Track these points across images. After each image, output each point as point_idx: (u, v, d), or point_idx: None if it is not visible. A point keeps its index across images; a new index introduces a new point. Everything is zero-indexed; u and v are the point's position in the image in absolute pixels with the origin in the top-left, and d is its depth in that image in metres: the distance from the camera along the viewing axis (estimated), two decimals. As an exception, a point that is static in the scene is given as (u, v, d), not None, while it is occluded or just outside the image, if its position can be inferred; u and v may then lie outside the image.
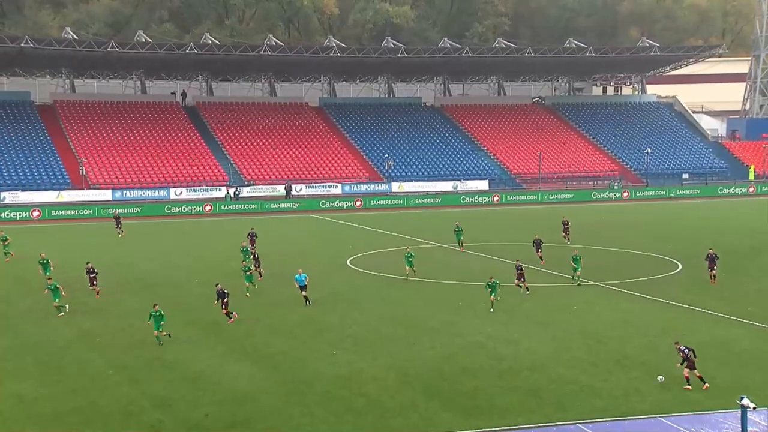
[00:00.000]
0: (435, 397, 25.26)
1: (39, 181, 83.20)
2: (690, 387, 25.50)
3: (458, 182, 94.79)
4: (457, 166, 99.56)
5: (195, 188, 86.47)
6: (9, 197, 78.68)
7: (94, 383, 26.75)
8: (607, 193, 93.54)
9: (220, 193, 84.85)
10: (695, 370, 25.64)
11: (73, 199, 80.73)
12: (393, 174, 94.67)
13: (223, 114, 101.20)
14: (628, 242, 56.71)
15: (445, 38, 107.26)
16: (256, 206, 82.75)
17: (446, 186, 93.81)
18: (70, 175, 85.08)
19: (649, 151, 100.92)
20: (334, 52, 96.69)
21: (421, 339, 31.84)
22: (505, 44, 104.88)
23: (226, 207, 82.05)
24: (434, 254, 51.25)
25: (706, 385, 25.51)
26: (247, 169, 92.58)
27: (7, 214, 74.01)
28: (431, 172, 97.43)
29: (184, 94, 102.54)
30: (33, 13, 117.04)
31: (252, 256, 44.86)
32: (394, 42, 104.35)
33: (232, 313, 34.68)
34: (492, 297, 35.79)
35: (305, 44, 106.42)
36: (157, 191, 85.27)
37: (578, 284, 41.26)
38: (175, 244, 60.18)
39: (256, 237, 51.48)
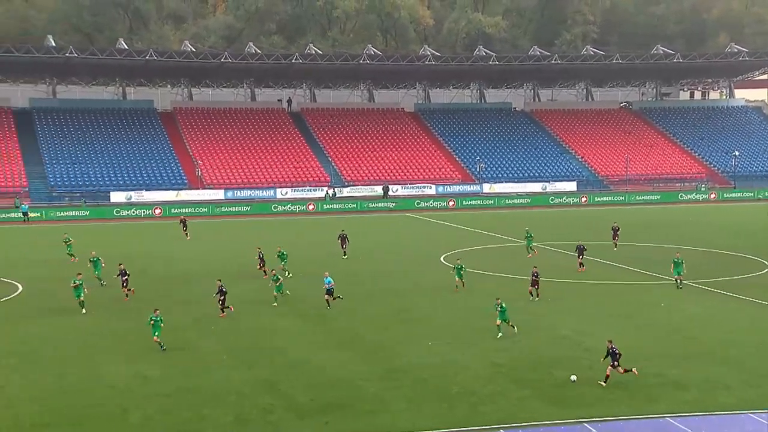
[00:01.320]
0: (525, 387, 24.98)
1: (160, 182, 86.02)
2: (604, 384, 24.66)
3: (547, 183, 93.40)
4: (546, 168, 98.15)
5: (299, 188, 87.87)
6: (135, 196, 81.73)
7: (209, 366, 27.45)
8: (694, 194, 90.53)
9: (322, 193, 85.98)
10: (617, 368, 24.79)
11: (189, 198, 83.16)
12: (484, 175, 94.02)
13: (325, 119, 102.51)
14: (715, 242, 54.75)
15: (535, 46, 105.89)
16: (355, 205, 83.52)
17: (535, 187, 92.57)
18: (187, 176, 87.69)
19: (737, 153, 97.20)
20: (428, 61, 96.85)
21: (511, 331, 31.50)
22: (593, 51, 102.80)
23: (327, 206, 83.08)
24: (523, 252, 50.58)
25: (623, 371, 24.75)
26: (347, 170, 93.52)
27: (133, 212, 76.88)
28: (521, 174, 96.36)
29: (289, 101, 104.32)
30: (157, 29, 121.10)
31: (258, 257, 43.23)
32: (486, 50, 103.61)
33: (228, 307, 34.20)
34: (498, 321, 30.62)
35: (402, 53, 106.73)
36: (264, 191, 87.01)
37: (679, 287, 39.13)
38: (278, 239, 61.10)
39: (348, 240, 50.02)
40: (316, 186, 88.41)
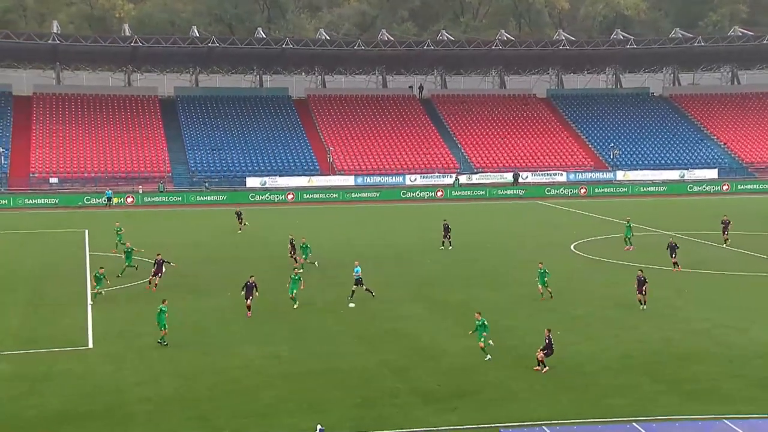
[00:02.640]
0: (658, 380, 24.13)
1: (293, 168, 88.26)
2: (539, 369, 25.00)
3: (685, 171, 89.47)
4: (685, 155, 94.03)
5: (428, 175, 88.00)
6: (269, 182, 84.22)
7: (338, 350, 28.00)
8: None
9: (451, 179, 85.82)
10: (541, 354, 25.16)
11: (321, 183, 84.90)
12: (618, 162, 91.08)
13: (455, 106, 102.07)
14: None
15: (677, 28, 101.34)
16: (483, 192, 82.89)
17: (672, 174, 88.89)
18: (319, 162, 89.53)
19: None
20: (563, 45, 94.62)
21: (644, 323, 30.47)
22: (741, 32, 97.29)
23: (456, 192, 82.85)
24: (662, 242, 48.70)
25: (543, 369, 25.02)
26: (476, 157, 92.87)
27: (267, 197, 79.30)
28: (657, 161, 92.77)
29: (420, 88, 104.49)
30: (294, 17, 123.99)
31: (290, 243, 42.90)
32: (624, 33, 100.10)
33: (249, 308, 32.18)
34: (480, 342, 26.75)
35: (535, 38, 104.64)
36: (394, 177, 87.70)
37: None
38: (408, 225, 61.48)
39: (450, 229, 48.74)
40: (445, 173, 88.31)
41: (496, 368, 25.57)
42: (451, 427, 21.16)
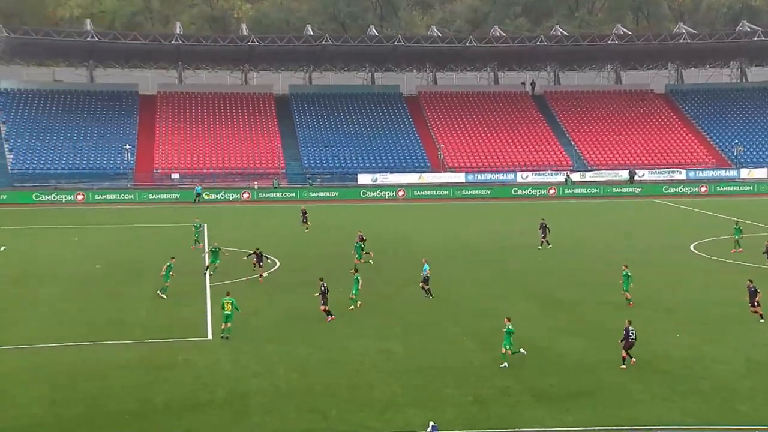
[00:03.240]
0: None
1: (404, 165, 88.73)
2: (624, 367, 24.90)
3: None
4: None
5: (540, 172, 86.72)
6: (380, 178, 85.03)
7: (450, 347, 28.04)
8: None
9: (562, 177, 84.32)
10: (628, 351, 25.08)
11: (431, 180, 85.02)
12: (742, 160, 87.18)
13: (568, 102, 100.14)
14: None
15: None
16: (598, 190, 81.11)
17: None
18: (429, 159, 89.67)
19: None
20: (683, 39, 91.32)
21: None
22: None
23: (569, 190, 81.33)
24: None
25: (623, 366, 24.95)
26: (590, 154, 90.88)
27: (378, 193, 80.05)
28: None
29: (533, 84, 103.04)
30: (406, 15, 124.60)
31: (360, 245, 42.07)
32: (750, 25, 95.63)
33: (329, 312, 31.26)
34: (504, 349, 25.96)
35: (654, 32, 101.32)
36: (505, 175, 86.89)
37: None
38: (519, 222, 60.81)
39: (549, 229, 47.71)
40: (557, 170, 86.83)
41: (612, 370, 25.01)
42: (566, 428, 20.87)
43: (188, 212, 65.34)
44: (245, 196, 77.28)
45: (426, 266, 35.21)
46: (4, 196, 73.15)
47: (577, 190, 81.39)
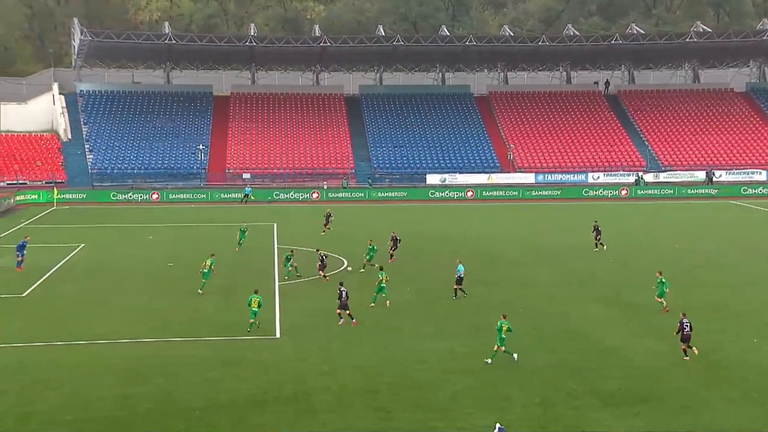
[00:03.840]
0: None
1: (473, 165, 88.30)
2: (687, 358, 25.45)
3: None
4: None
5: (612, 173, 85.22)
6: (449, 179, 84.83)
7: (516, 348, 27.78)
8: None
9: (631, 178, 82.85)
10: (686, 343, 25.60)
11: (501, 181, 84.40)
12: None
13: (643, 101, 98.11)
14: None
15: None
16: (672, 191, 79.28)
17: None
18: (499, 159, 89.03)
19: None
20: (767, 36, 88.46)
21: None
22: None
23: (641, 191, 79.72)
24: None
25: (686, 357, 25.55)
26: (664, 154, 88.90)
27: (447, 194, 79.85)
28: None
29: (607, 83, 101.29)
30: (478, 14, 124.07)
31: (392, 239, 42.04)
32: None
33: (351, 317, 30.75)
34: (496, 346, 26.23)
35: (735, 29, 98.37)
36: (575, 175, 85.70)
37: None
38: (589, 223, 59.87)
39: (600, 230, 46.94)
40: (630, 171, 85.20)
41: (683, 374, 24.48)
42: (634, 434, 20.54)
43: (259, 211, 66.43)
44: (315, 196, 78.09)
45: (460, 267, 35.41)
46: (84, 195, 75.57)
47: (650, 191, 79.68)
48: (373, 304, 33.23)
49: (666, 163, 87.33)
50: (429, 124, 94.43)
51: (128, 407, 22.58)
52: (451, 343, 28.40)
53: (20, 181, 79.83)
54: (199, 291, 35.59)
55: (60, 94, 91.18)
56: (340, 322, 30.75)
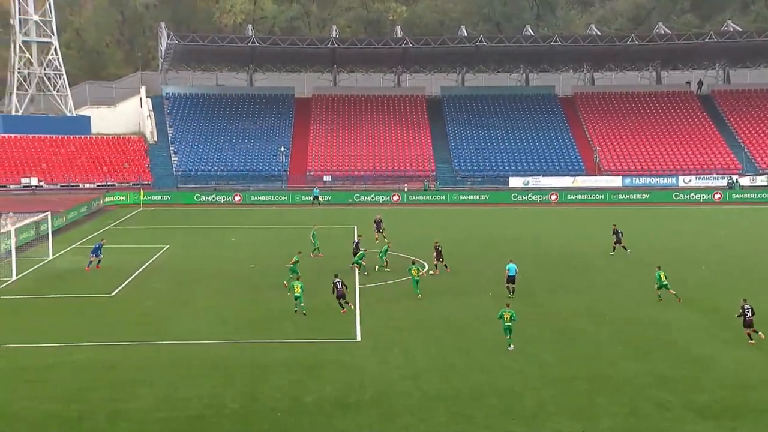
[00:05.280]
0: None
1: (557, 168, 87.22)
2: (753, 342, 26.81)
3: None
4: None
5: (704, 176, 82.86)
6: (532, 182, 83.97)
7: (603, 356, 27.39)
8: None
9: (723, 181, 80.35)
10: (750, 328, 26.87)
11: (586, 184, 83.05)
12: None
13: (739, 102, 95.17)
14: None
15: None
16: (769, 195, 76.74)
17: None
18: (584, 162, 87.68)
19: None
20: None
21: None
22: None
23: (736, 195, 77.27)
24: None
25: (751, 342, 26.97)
26: (762, 157, 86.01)
27: (530, 197, 79.02)
28: None
29: (700, 83, 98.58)
30: (564, 14, 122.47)
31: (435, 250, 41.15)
32: None
33: (347, 302, 33.52)
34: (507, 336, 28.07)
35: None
36: (665, 178, 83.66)
37: None
38: (678, 228, 58.44)
39: (622, 233, 46.55)
40: (724, 174, 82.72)
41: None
42: (730, 450, 19.95)
43: (340, 214, 67.09)
44: (395, 198, 78.38)
45: (511, 266, 35.66)
46: (169, 197, 77.76)
47: (746, 195, 77.15)
48: (420, 295, 35.49)
49: (764, 165, 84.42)
50: (512, 126, 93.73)
51: (214, 407, 23.12)
52: (536, 349, 28.10)
53: (109, 183, 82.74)
54: (285, 282, 37.07)
55: (147, 97, 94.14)
56: (342, 311, 32.94)
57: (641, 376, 25.07)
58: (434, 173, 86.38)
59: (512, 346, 27.79)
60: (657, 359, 26.77)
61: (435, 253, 41.47)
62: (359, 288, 37.81)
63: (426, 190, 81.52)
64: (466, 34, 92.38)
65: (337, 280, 33.59)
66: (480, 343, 29.01)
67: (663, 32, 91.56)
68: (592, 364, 26.36)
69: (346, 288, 33.54)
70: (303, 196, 78.51)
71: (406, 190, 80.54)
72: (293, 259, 37.88)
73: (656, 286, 34.75)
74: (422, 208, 74.19)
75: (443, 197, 78.97)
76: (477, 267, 42.79)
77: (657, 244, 50.79)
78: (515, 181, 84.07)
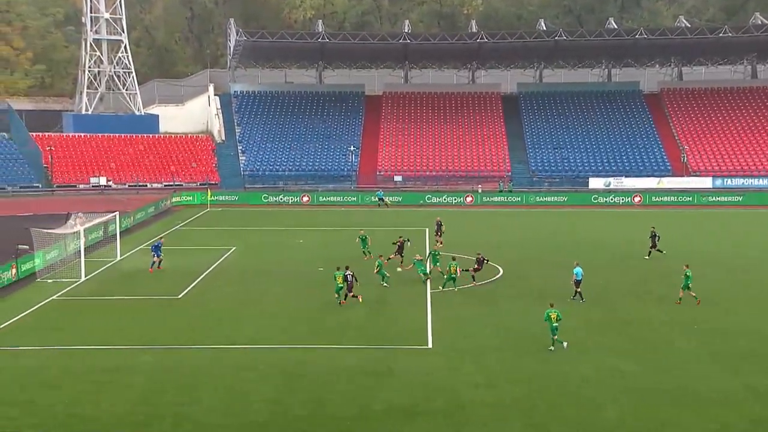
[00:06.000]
0: None
1: (641, 168, 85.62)
2: None
3: None
4: None
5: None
6: (614, 183, 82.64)
7: (689, 368, 26.82)
8: None
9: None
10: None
11: (672, 186, 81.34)
12: None
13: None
14: None
15: None
16: None
17: None
18: (671, 162, 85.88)
19: None
20: None
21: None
22: None
23: (839, 199, 74.60)
24: None
25: None
26: None
27: (611, 199, 77.72)
28: None
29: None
30: (650, 5, 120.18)
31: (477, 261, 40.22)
32: None
33: (354, 296, 35.33)
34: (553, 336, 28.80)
35: None
36: (760, 179, 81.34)
37: None
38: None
39: (658, 237, 46.26)
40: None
41: None
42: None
43: (411, 215, 67.15)
44: (468, 199, 78.08)
45: (578, 269, 35.57)
46: (236, 197, 79.13)
47: None
48: (456, 289, 37.33)
49: None
50: (592, 124, 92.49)
51: (280, 413, 23.45)
52: (618, 360, 27.68)
53: (176, 183, 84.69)
54: (385, 285, 38.76)
55: (215, 95, 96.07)
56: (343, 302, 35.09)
57: (734, 391, 24.47)
58: (509, 173, 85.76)
59: (565, 344, 28.58)
60: (750, 372, 26.08)
61: (476, 264, 40.24)
62: (431, 293, 37.81)
63: (501, 191, 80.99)
64: (544, 28, 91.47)
65: (348, 272, 35.40)
66: (558, 351, 28.71)
67: (760, 23, 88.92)
68: (677, 376, 25.83)
69: (356, 281, 35.54)
70: (372, 197, 78.81)
71: (480, 191, 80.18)
72: (376, 264, 39.59)
73: (682, 285, 34.85)
74: (497, 210, 73.74)
75: (519, 199, 78.33)
76: (554, 271, 42.32)
77: (751, 251, 49.39)
78: (596, 182, 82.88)
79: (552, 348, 28.43)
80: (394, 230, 58.89)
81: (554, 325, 28.60)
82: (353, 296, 35.31)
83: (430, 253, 42.82)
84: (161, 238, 47.56)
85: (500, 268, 43.22)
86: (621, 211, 72.74)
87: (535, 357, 28.14)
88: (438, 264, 40.90)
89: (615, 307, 35.01)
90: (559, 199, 78.12)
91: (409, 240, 45.99)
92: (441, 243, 49.18)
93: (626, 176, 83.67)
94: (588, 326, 32.09)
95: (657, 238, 46.59)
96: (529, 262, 45.66)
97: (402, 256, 43.48)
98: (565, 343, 28.57)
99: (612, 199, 77.55)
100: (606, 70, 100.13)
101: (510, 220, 66.58)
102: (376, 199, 76.12)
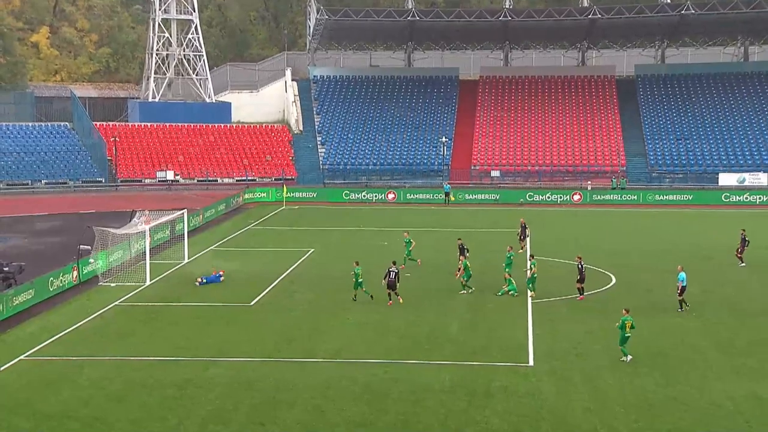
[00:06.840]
0: None
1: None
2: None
3: None
4: None
5: None
6: (749, 179, 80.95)
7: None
8: None
9: None
10: None
11: None
12: None
13: None
14: None
15: None
16: None
17: None
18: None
19: None
20: None
21: None
22: None
23: None
24: None
25: None
26: None
27: (746, 197, 75.90)
28: None
29: None
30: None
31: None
32: None
33: (397, 295, 37.16)
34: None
35: None
36: None
37: None
38: None
39: (748, 242, 46.05)
40: None
41: None
42: None
43: (509, 215, 66.66)
44: (576, 198, 77.15)
45: (682, 275, 35.22)
46: (315, 194, 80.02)
47: None
48: (532, 293, 38.24)
49: None
50: (724, 111, 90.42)
51: (365, 435, 23.61)
52: (756, 385, 26.88)
53: (249, 178, 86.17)
54: (464, 292, 39.66)
55: (293, 80, 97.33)
56: (389, 303, 36.81)
57: None
58: (624, 168, 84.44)
59: (629, 357, 29.09)
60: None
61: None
62: (531, 303, 37.47)
63: (614, 188, 79.75)
64: (668, 1, 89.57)
65: (392, 268, 36.89)
66: (683, 373, 28.09)
67: None
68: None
69: (398, 279, 36.85)
70: (467, 195, 78.61)
71: (589, 188, 79.14)
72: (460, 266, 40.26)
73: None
74: (609, 210, 72.64)
75: (635, 197, 77.08)
76: (675, 281, 41.41)
77: None
78: (727, 179, 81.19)
79: (625, 359, 29.02)
80: (486, 233, 58.61)
81: (627, 334, 29.01)
82: (395, 294, 37.13)
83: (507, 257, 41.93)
84: (222, 271, 44.00)
85: (612, 276, 42.52)
86: (758, 211, 70.73)
87: (662, 376, 27.63)
88: (508, 270, 40.41)
89: (744, 323, 34.04)
90: (683, 197, 76.65)
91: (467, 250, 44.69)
92: (523, 248, 48.59)
93: (764, 171, 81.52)
94: (721, 344, 31.30)
95: (747, 243, 46.16)
96: (646, 270, 44.83)
97: (466, 257, 42.57)
98: (629, 357, 28.96)
99: (747, 198, 75.82)
100: (742, 48, 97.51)
101: (624, 221, 65.54)
102: (443, 193, 75.90)
